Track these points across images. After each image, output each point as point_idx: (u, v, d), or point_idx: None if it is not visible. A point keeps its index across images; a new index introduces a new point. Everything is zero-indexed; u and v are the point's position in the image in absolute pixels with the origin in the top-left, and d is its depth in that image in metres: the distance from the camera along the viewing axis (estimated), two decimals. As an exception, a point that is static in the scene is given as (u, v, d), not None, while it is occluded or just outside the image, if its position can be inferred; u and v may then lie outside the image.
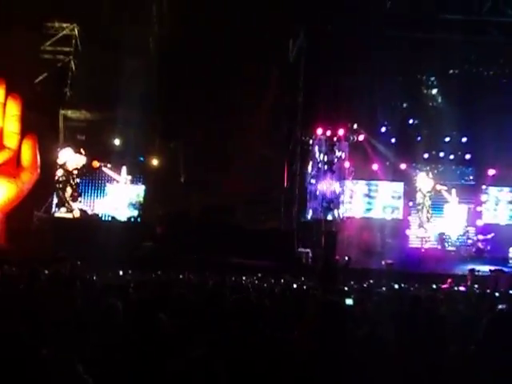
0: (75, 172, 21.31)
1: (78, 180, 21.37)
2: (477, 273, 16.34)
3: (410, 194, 22.02)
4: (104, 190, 21.47)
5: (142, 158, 21.74)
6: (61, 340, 2.92)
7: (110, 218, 20.99)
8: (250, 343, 3.11)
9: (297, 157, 21.52)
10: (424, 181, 21.85)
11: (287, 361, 2.89)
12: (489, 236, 20.78)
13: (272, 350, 3.07)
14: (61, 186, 21.16)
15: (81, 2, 19.72)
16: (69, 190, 21.18)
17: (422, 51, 20.44)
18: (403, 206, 21.94)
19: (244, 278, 12.50)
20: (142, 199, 21.49)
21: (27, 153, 17.61)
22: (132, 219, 21.05)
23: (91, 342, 3.46)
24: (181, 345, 3.30)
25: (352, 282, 11.74)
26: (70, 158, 21.21)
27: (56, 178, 21.06)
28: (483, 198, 21.83)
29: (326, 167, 21.32)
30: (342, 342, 2.86)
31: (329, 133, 21.26)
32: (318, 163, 21.69)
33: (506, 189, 21.94)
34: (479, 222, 21.54)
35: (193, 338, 3.50)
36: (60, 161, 21.12)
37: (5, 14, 18.20)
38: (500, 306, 6.03)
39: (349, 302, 5.99)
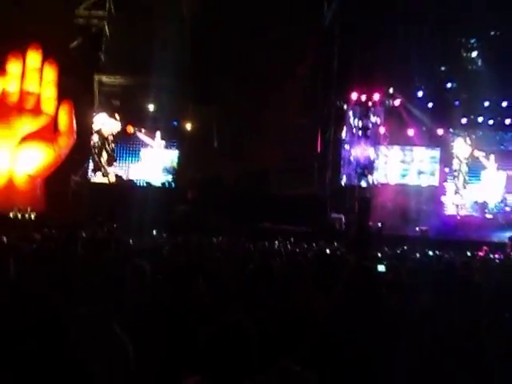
0: (110, 137, 21.51)
1: (113, 145, 21.58)
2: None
3: (446, 160, 21.60)
4: (138, 154, 21.67)
5: (175, 123, 21.81)
6: (95, 300, 2.98)
7: (144, 183, 21.23)
8: (279, 309, 3.12)
9: (331, 122, 21.27)
10: (461, 146, 21.37)
11: (318, 327, 2.89)
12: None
13: (302, 316, 3.08)
14: (96, 151, 21.41)
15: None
16: (104, 155, 21.44)
17: (461, 13, 19.73)
18: (439, 173, 21.56)
19: (277, 242, 12.53)
20: (175, 164, 21.64)
21: (64, 118, 17.92)
22: (166, 184, 21.24)
23: (122, 302, 3.52)
24: (213, 309, 3.34)
25: (386, 249, 11.66)
26: (105, 123, 21.39)
27: (92, 143, 21.32)
28: (522, 164, 21.26)
29: (360, 133, 21.04)
30: (375, 308, 2.84)
31: (364, 98, 20.89)
32: (353, 128, 21.41)
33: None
34: (517, 190, 21.04)
35: (226, 303, 3.53)
36: (95, 126, 21.34)
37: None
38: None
39: (381, 268, 5.93)
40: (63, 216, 15.05)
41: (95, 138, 21.42)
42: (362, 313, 2.85)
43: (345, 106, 21.48)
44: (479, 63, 21.03)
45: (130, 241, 8.06)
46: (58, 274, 4.48)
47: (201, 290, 3.64)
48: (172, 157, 21.77)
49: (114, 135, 21.52)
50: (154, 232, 12.83)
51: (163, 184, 21.19)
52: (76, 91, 19.34)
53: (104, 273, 4.59)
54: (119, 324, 2.46)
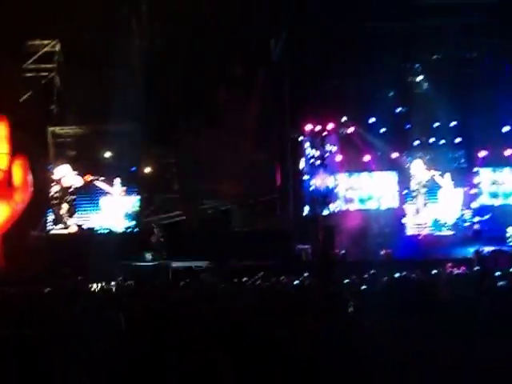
0: (71, 189, 21.20)
1: (73, 196, 21.26)
2: (481, 253, 16.41)
3: (403, 182, 22.06)
4: (98, 203, 21.40)
5: (134, 168, 21.69)
6: (65, 354, 2.91)
7: (106, 231, 20.93)
8: (248, 343, 3.11)
9: (288, 155, 21.53)
10: (419, 168, 21.89)
11: (289, 356, 2.89)
12: (485, 217, 20.87)
13: (272, 348, 3.07)
14: (56, 202, 21.06)
15: (60, 18, 19.67)
16: (65, 207, 21.10)
17: (404, 40, 20.54)
18: (398, 195, 21.98)
19: (245, 279, 12.48)
20: (137, 210, 21.43)
21: (18, 173, 17.56)
22: (129, 230, 20.99)
23: (95, 354, 3.45)
24: (183, 350, 3.30)
25: (354, 276, 11.73)
26: (67, 175, 21.12)
27: (52, 194, 20.98)
28: (476, 180, 21.91)
29: (318, 162, 21.34)
30: (344, 333, 2.86)
31: (318, 128, 21.28)
32: (310, 159, 21.71)
33: (498, 169, 22.05)
34: (474, 204, 21.61)
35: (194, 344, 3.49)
36: (56, 177, 21.05)
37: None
38: (500, 283, 6.05)
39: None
40: (23, 272, 14.66)
41: (55, 189, 21.10)
42: (332, 339, 2.86)
43: (300, 138, 21.80)
44: (425, 86, 21.80)
45: (95, 290, 7.92)
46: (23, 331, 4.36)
47: (165, 335, 3.60)
48: (133, 202, 21.58)
49: (74, 187, 21.23)
50: (120, 280, 12.62)
51: (125, 230, 20.93)
52: (29, 145, 19.07)
53: (73, 326, 4.49)
54: (91, 377, 2.42)
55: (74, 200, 21.22)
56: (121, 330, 3.79)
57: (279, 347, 3.09)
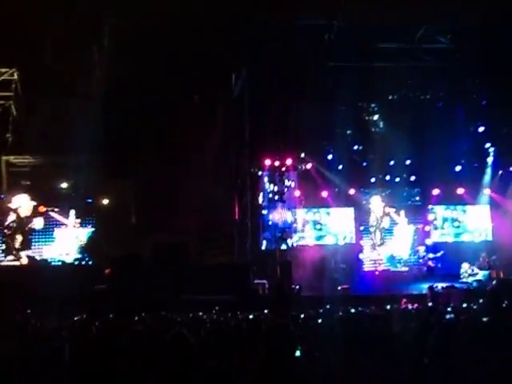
0: (27, 220, 20.66)
1: (32, 226, 20.66)
2: (435, 289, 16.65)
3: (360, 218, 22.38)
4: (52, 234, 20.90)
5: (90, 200, 21.35)
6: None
7: (59, 263, 20.41)
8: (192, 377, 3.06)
9: (247, 189, 21.62)
10: (377, 203, 22.28)
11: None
12: (438, 254, 21.31)
13: (219, 381, 3.03)
14: (10, 232, 20.45)
15: (20, 46, 19.51)
16: (19, 238, 20.49)
17: (361, 79, 21.11)
18: (355, 231, 22.24)
19: (201, 313, 12.31)
20: (91, 241, 20.99)
21: (-31, 202, 17.14)
22: (82, 262, 20.51)
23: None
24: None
25: (310, 311, 11.72)
26: (24, 205, 20.60)
27: (7, 223, 20.38)
28: (430, 217, 22.45)
29: (276, 197, 21.46)
30: (290, 364, 2.85)
31: (277, 163, 21.48)
32: (269, 194, 21.82)
33: (451, 207, 22.65)
34: (428, 241, 22.08)
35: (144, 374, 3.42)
36: (13, 206, 20.49)
37: None
38: (447, 317, 6.15)
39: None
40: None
41: (11, 219, 20.51)
42: (280, 371, 2.84)
43: (259, 173, 21.95)
44: (381, 125, 22.41)
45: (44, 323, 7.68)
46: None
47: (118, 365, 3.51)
48: (87, 234, 21.15)
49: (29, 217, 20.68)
50: (71, 314, 12.25)
51: (79, 262, 20.44)
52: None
53: (22, 358, 4.35)
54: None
55: (31, 231, 20.63)
56: (64, 361, 3.69)
57: (226, 379, 3.05)
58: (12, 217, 20.53)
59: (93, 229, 21.08)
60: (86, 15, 18.79)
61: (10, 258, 20.29)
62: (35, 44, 19.62)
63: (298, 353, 4.38)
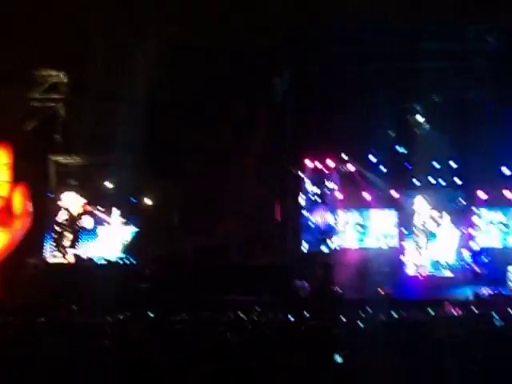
0: (79, 218, 21.14)
1: (82, 225, 21.12)
2: (482, 296, 16.29)
3: (403, 221, 22.01)
4: (96, 233, 21.35)
5: (134, 200, 21.72)
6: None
7: (104, 262, 20.84)
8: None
9: (288, 191, 21.58)
10: (421, 206, 21.87)
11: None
12: (484, 259, 20.76)
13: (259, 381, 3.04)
14: (61, 230, 20.96)
15: (69, 49, 20.04)
16: (68, 236, 21.01)
17: (405, 81, 20.83)
18: (398, 234, 21.92)
19: (242, 315, 12.38)
20: (135, 241, 21.34)
21: (18, 201, 17.61)
22: (126, 261, 20.88)
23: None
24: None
25: (351, 315, 11.63)
26: (75, 203, 21.11)
27: (58, 221, 20.92)
28: (476, 220, 21.89)
29: (318, 199, 21.38)
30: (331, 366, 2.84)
31: (319, 165, 21.40)
32: (310, 195, 21.76)
33: (498, 210, 22.03)
34: (474, 246, 21.53)
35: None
36: (63, 204, 21.03)
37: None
38: (498, 324, 6.01)
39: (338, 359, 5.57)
40: (20, 301, 14.56)
41: (62, 216, 21.05)
42: (320, 373, 2.84)
43: (301, 174, 21.91)
44: (426, 127, 22.00)
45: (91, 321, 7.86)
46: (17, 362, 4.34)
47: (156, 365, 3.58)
48: (131, 233, 21.52)
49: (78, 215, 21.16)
50: (115, 312, 12.50)
51: (123, 261, 20.83)
52: (31, 173, 19.20)
53: (66, 357, 4.46)
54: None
55: (81, 229, 21.12)
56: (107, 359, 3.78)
57: (265, 379, 3.07)
58: (63, 215, 21.06)
59: (136, 228, 21.44)
60: (133, 19, 19.18)
61: (58, 255, 20.82)
62: (84, 47, 20.11)
63: (338, 358, 4.36)
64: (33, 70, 21.19)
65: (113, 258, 20.80)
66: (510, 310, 12.73)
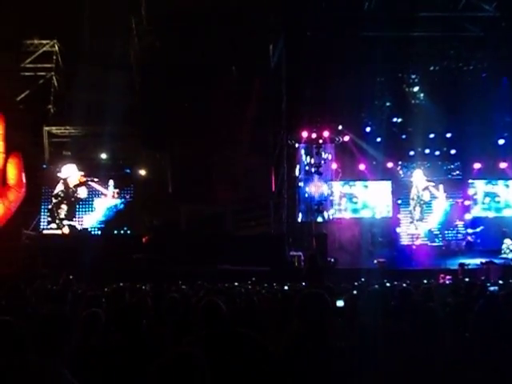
0: (76, 189, 21.10)
1: (78, 196, 21.08)
2: (467, 266, 16.43)
3: (397, 191, 22.09)
4: (92, 204, 21.34)
5: (128, 170, 21.66)
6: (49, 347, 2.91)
7: (99, 232, 20.88)
8: (229, 343, 3.11)
9: (283, 161, 21.55)
10: (418, 177, 21.88)
11: (266, 358, 2.89)
12: (478, 229, 20.90)
13: (252, 348, 3.07)
14: (57, 201, 20.92)
15: (59, 18, 19.71)
16: (64, 207, 20.98)
17: (401, 50, 20.64)
18: (392, 204, 22.00)
19: (236, 284, 12.45)
20: (130, 211, 21.33)
21: (12, 171, 17.58)
22: (121, 231, 20.92)
23: (77, 347, 3.46)
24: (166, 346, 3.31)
25: (342, 284, 11.72)
26: (72, 175, 21.04)
27: (55, 192, 20.88)
28: (470, 191, 21.96)
29: (313, 170, 21.37)
30: (327, 335, 2.86)
31: (314, 135, 21.33)
32: (305, 166, 21.75)
33: (493, 181, 22.10)
34: (468, 216, 21.65)
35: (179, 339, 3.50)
36: (62, 175, 20.97)
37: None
38: (491, 289, 6.02)
39: (339, 303, 5.92)
40: (15, 270, 14.61)
41: (59, 188, 21.00)
42: (315, 341, 2.85)
43: (296, 145, 21.85)
44: (422, 97, 21.88)
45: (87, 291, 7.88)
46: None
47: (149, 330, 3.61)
48: (126, 204, 21.50)
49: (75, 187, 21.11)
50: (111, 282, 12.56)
51: (118, 231, 20.87)
52: (25, 144, 19.09)
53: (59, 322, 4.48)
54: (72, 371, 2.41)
55: (77, 201, 21.08)
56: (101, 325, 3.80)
57: (258, 345, 3.09)
58: (60, 186, 21.00)
59: (131, 199, 21.43)
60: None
61: (53, 226, 20.84)
62: (75, 16, 19.79)
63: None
64: (24, 38, 20.90)
65: (107, 228, 20.83)
66: (500, 278, 12.89)
